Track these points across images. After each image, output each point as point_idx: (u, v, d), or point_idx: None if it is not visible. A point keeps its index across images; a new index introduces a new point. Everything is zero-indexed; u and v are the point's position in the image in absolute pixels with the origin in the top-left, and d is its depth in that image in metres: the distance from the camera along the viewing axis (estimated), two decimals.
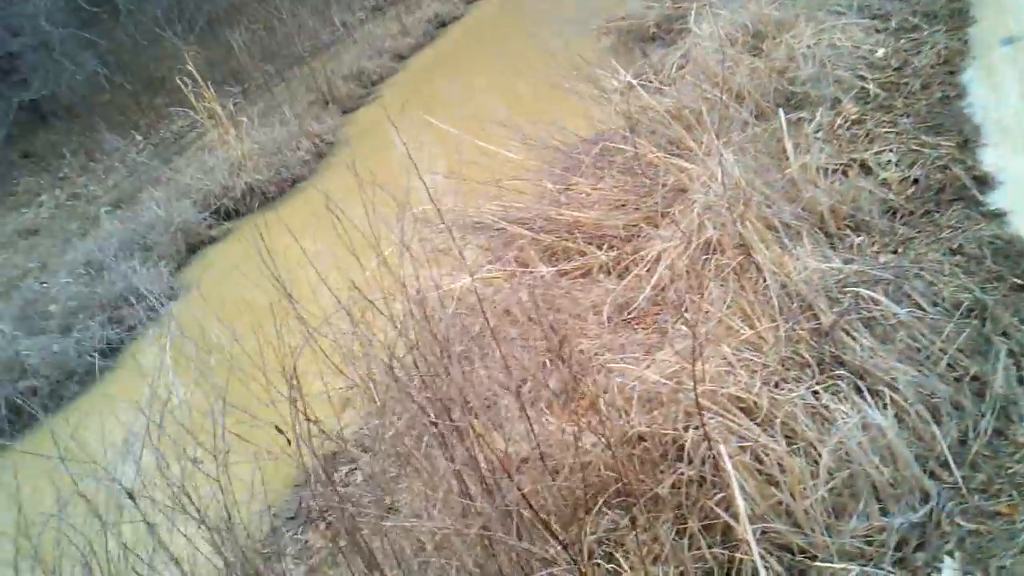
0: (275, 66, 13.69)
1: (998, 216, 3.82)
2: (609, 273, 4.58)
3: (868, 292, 2.98)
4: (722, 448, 2.56)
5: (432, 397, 3.08)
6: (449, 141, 5.59)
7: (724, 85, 5.28)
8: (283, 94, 12.27)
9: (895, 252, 3.73)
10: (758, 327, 3.07)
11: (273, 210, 8.76)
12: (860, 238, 3.81)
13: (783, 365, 2.93)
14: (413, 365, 3.82)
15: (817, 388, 2.78)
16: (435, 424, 2.78)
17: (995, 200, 4.02)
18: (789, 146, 4.43)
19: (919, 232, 3.77)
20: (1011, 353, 2.78)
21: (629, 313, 3.98)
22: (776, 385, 2.87)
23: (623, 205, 4.97)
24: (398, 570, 2.75)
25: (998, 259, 3.46)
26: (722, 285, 3.35)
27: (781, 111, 4.71)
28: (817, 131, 4.84)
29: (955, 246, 3.56)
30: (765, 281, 3.22)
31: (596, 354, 3.61)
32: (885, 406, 2.62)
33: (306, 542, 4.25)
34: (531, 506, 2.49)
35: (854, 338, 2.89)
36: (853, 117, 4.86)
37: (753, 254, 3.32)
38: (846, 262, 3.30)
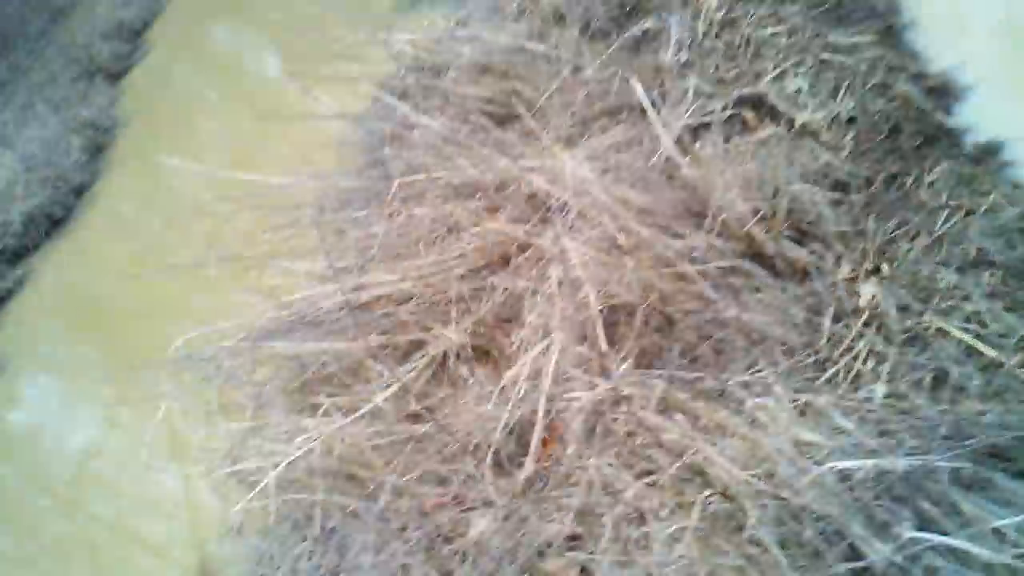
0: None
1: (999, 163, 2.54)
2: (472, 361, 3.11)
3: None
4: None
5: None
6: None
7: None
8: (40, 74, 9.41)
9: (876, 271, 2.44)
10: None
11: (67, 236, 6.88)
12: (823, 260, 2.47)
13: None
14: None
15: None
16: None
17: (969, 120, 2.72)
18: (654, 117, 2.90)
19: (899, 227, 2.46)
20: None
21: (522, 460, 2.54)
22: None
23: (442, 238, 3.40)
24: None
25: None
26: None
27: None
28: (678, 53, 3.34)
29: (971, 256, 2.29)
30: (743, 512, 1.82)
31: None
32: None
33: None
34: None
35: None
36: (719, 17, 3.36)
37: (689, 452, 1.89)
38: (847, 412, 1.92)
